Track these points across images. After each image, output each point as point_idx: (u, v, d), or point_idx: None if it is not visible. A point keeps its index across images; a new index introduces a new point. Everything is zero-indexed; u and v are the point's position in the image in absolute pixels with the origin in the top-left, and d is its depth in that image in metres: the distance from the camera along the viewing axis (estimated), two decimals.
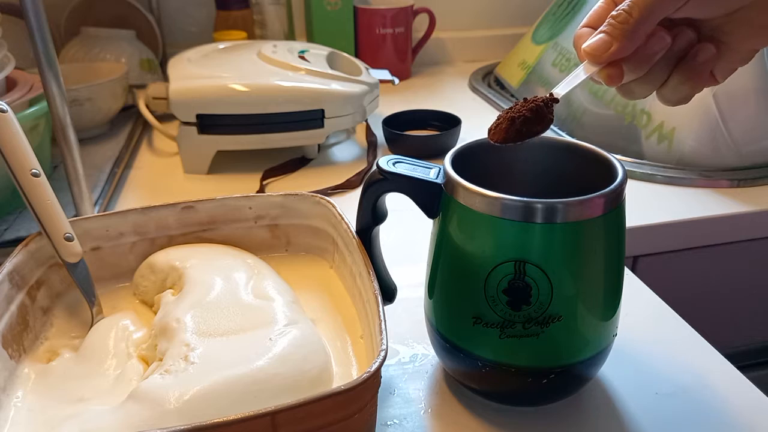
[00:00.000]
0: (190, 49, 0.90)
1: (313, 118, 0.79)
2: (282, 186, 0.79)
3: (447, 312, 0.44)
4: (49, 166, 0.75)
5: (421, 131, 0.90)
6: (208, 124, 0.78)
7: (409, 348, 0.52)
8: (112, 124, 0.92)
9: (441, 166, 0.43)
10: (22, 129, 0.45)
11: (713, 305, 0.77)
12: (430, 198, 0.43)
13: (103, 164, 0.81)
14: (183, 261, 0.48)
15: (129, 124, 0.93)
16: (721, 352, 0.51)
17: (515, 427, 0.44)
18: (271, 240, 0.53)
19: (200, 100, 0.77)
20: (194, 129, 0.78)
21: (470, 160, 0.44)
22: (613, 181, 0.40)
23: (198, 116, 0.77)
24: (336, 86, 0.80)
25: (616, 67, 0.37)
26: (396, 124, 0.88)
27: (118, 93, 0.89)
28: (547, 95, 0.38)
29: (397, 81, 0.91)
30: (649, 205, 0.72)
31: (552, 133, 0.87)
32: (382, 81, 0.89)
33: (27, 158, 0.45)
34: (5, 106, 0.44)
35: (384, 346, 0.35)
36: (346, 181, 0.78)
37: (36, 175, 0.45)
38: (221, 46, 0.92)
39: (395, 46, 1.12)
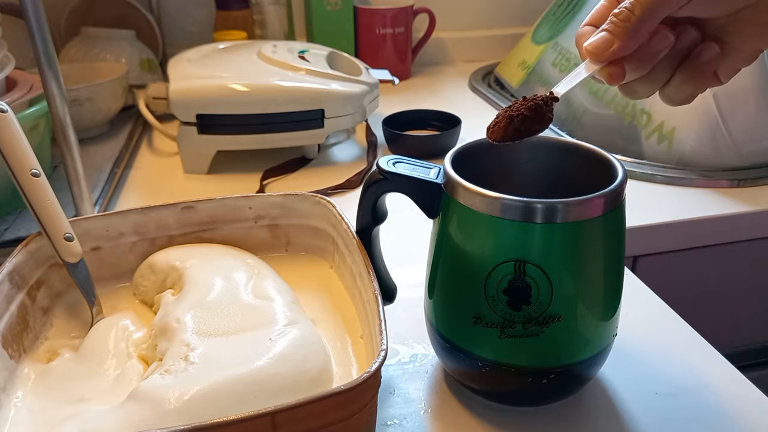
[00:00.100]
0: (190, 49, 0.90)
1: (313, 118, 0.79)
2: (282, 186, 0.79)
3: (447, 312, 0.44)
4: (49, 166, 0.75)
5: (421, 131, 0.90)
6: (208, 124, 0.78)
7: (409, 348, 0.52)
8: (112, 124, 0.92)
9: (441, 166, 0.43)
10: (22, 129, 0.45)
11: (713, 305, 0.77)
12: (430, 198, 0.43)
13: (103, 164, 0.81)
14: (183, 261, 0.48)
15: (129, 124, 0.93)
16: (721, 352, 0.51)
17: (515, 427, 0.44)
18: (271, 240, 0.53)
19: (200, 100, 0.77)
20: (194, 129, 0.78)
21: (470, 160, 0.44)
22: (613, 181, 0.40)
23: (198, 116, 0.77)
24: (336, 86, 0.80)
25: (617, 66, 0.37)
26: (396, 124, 0.88)
27: (118, 93, 0.89)
28: (547, 94, 0.38)
29: (397, 81, 0.91)
30: (649, 205, 0.72)
31: (552, 133, 0.87)
32: (382, 81, 0.89)
33: (27, 158, 0.45)
34: (5, 106, 0.44)
35: (384, 346, 0.35)
36: (346, 181, 0.78)
37: (36, 175, 0.45)
38: (221, 46, 0.92)
39: (395, 46, 1.12)
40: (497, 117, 0.39)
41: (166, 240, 0.51)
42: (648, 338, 0.52)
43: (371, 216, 0.45)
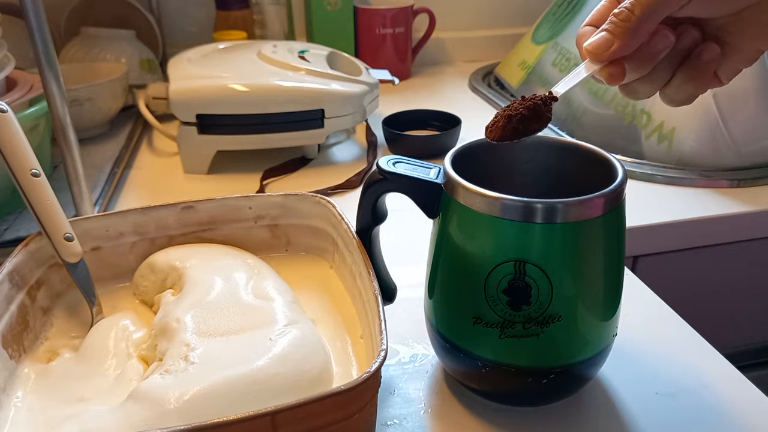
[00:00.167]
0: (190, 49, 0.90)
1: (313, 118, 0.79)
2: (282, 186, 0.79)
3: (447, 312, 0.44)
4: (49, 166, 0.75)
5: (421, 131, 0.90)
6: (208, 124, 0.78)
7: (409, 348, 0.52)
8: (112, 124, 0.92)
9: (441, 166, 0.43)
10: (22, 129, 0.45)
11: (713, 305, 0.77)
12: (430, 198, 0.43)
13: (103, 164, 0.81)
14: (183, 261, 0.48)
15: (129, 124, 0.93)
16: (721, 352, 0.51)
17: (515, 427, 0.44)
18: (271, 240, 0.53)
19: (200, 100, 0.77)
20: (194, 129, 0.78)
21: (470, 160, 0.44)
22: (613, 181, 0.40)
23: (198, 116, 0.77)
24: (336, 86, 0.80)
25: (617, 66, 0.37)
26: (396, 124, 0.88)
27: (118, 93, 0.89)
28: (546, 93, 0.38)
29: (397, 81, 0.91)
30: (649, 205, 0.72)
31: (552, 133, 0.87)
32: (382, 81, 0.89)
33: (27, 158, 0.45)
34: (5, 106, 0.44)
35: (384, 346, 0.35)
36: (346, 181, 0.78)
37: (36, 175, 0.45)
38: (221, 46, 0.92)
39: (395, 46, 1.12)
40: (496, 116, 0.39)
41: (166, 240, 0.51)
42: (648, 338, 0.52)
43: (371, 216, 0.45)
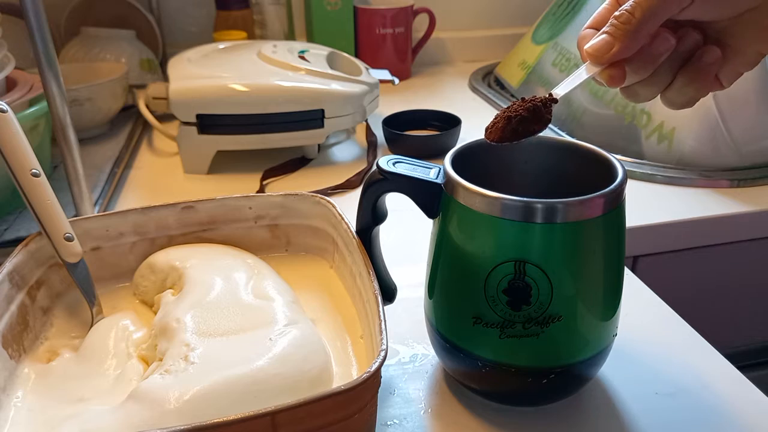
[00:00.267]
0: (190, 49, 0.90)
1: (313, 118, 0.79)
2: (282, 186, 0.79)
3: (447, 312, 0.44)
4: (49, 166, 0.75)
5: (421, 131, 0.90)
6: (208, 124, 0.78)
7: (409, 348, 0.52)
8: (112, 124, 0.92)
9: (441, 166, 0.43)
10: (22, 129, 0.45)
11: (713, 305, 0.77)
12: (430, 198, 0.43)
13: (103, 164, 0.81)
14: (183, 261, 0.48)
15: (129, 124, 0.93)
16: (721, 352, 0.51)
17: (515, 427, 0.44)
18: (271, 240, 0.53)
19: (200, 100, 0.77)
20: (194, 129, 0.78)
21: (470, 160, 0.44)
22: (613, 181, 0.40)
23: (198, 116, 0.77)
24: (336, 86, 0.80)
25: (618, 68, 0.37)
26: (396, 124, 0.88)
27: (118, 93, 0.89)
28: (547, 95, 0.38)
29: (397, 81, 0.91)
30: (649, 205, 0.72)
31: (552, 133, 0.87)
32: (382, 81, 0.89)
33: (27, 158, 0.45)
34: (5, 106, 0.44)
35: (384, 346, 0.35)
36: (346, 181, 0.78)
37: (36, 175, 0.45)
38: (221, 46, 0.92)
39: (395, 46, 1.12)
40: (495, 118, 0.39)
41: (166, 240, 0.51)
42: (648, 338, 0.52)
43: (371, 216, 0.45)
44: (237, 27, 1.07)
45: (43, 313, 0.47)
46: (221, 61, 0.84)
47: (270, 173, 0.81)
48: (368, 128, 0.90)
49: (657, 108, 0.81)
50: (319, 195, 0.52)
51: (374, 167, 0.44)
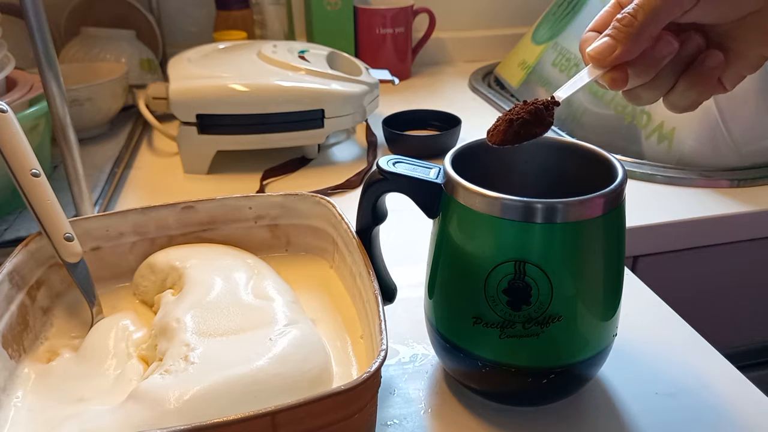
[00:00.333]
0: (190, 49, 0.90)
1: (313, 118, 0.79)
2: (282, 186, 0.79)
3: (447, 312, 0.44)
4: (49, 166, 0.75)
5: (421, 131, 0.90)
6: (208, 124, 0.78)
7: (409, 348, 0.52)
8: (112, 124, 0.92)
9: (441, 166, 0.43)
10: (22, 129, 0.45)
11: (713, 305, 0.77)
12: (430, 198, 0.43)
13: (103, 164, 0.81)
14: (183, 261, 0.48)
15: (129, 124, 0.93)
16: (721, 352, 0.51)
17: (515, 427, 0.44)
18: (271, 240, 0.53)
19: (200, 100, 0.77)
20: (194, 129, 0.78)
21: (470, 160, 0.44)
22: (613, 181, 0.40)
23: (198, 116, 0.77)
24: (336, 86, 0.80)
25: (620, 71, 0.37)
26: (396, 124, 0.88)
27: (118, 93, 0.89)
28: (549, 98, 0.38)
29: (397, 81, 0.91)
30: (649, 205, 0.72)
31: (552, 133, 0.87)
32: (382, 81, 0.89)
33: (27, 158, 0.45)
34: (5, 106, 0.44)
35: (384, 346, 0.35)
36: (346, 181, 0.78)
37: (36, 175, 0.45)
38: (221, 46, 0.92)
39: (395, 46, 1.12)
40: (497, 120, 0.39)
41: (166, 240, 0.51)
42: (648, 338, 0.52)
43: (371, 216, 0.45)
44: (237, 27, 1.07)
45: (43, 313, 0.47)
46: (221, 61, 0.84)
47: (270, 173, 0.81)
48: (368, 128, 0.90)
49: (657, 108, 0.81)
50: (319, 195, 0.52)
51: (374, 167, 0.44)
